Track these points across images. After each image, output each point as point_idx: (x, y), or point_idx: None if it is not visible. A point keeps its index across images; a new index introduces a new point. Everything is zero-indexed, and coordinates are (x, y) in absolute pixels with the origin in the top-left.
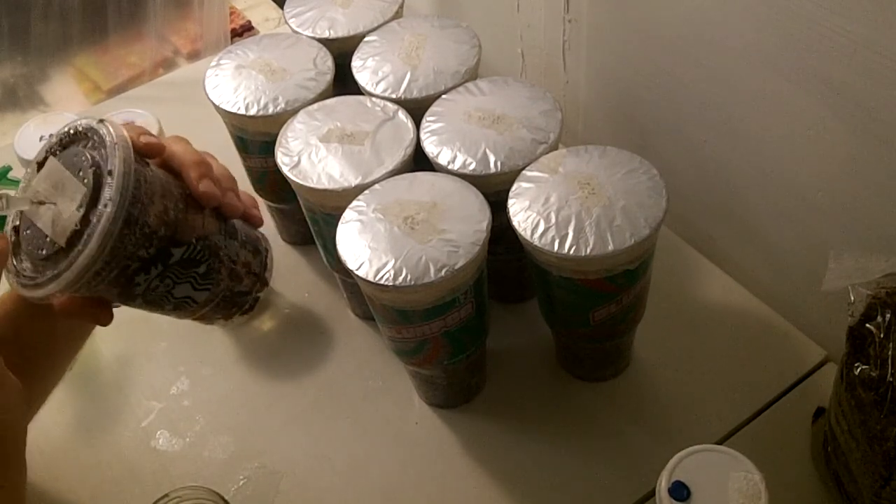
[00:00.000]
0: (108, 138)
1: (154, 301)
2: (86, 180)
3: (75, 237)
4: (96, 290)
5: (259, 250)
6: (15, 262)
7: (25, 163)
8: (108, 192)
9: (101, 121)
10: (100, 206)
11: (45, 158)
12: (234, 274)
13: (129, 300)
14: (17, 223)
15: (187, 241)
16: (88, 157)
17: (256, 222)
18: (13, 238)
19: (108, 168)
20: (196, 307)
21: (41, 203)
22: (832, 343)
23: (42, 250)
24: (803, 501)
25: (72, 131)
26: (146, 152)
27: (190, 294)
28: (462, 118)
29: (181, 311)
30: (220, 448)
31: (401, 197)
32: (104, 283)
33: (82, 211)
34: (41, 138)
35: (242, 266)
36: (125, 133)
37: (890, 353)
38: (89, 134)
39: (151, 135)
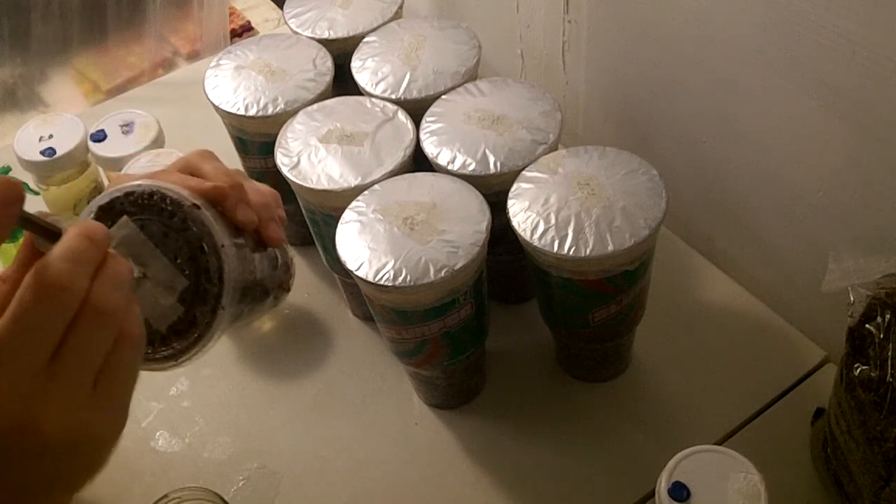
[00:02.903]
0: (209, 232)
1: None
2: (186, 272)
3: (178, 329)
4: None
5: (288, 266)
6: None
7: (25, 163)
8: (224, 301)
9: (196, 205)
10: (206, 308)
11: (112, 207)
12: (276, 298)
13: None
14: None
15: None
16: (183, 243)
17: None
18: None
19: (217, 272)
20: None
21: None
22: (832, 343)
23: None
24: (803, 502)
25: (153, 196)
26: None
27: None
28: (462, 119)
29: None
30: (220, 449)
31: (400, 197)
32: None
33: (185, 305)
34: (41, 139)
35: (277, 288)
36: (223, 223)
37: (890, 353)
38: (176, 212)
39: (201, 176)
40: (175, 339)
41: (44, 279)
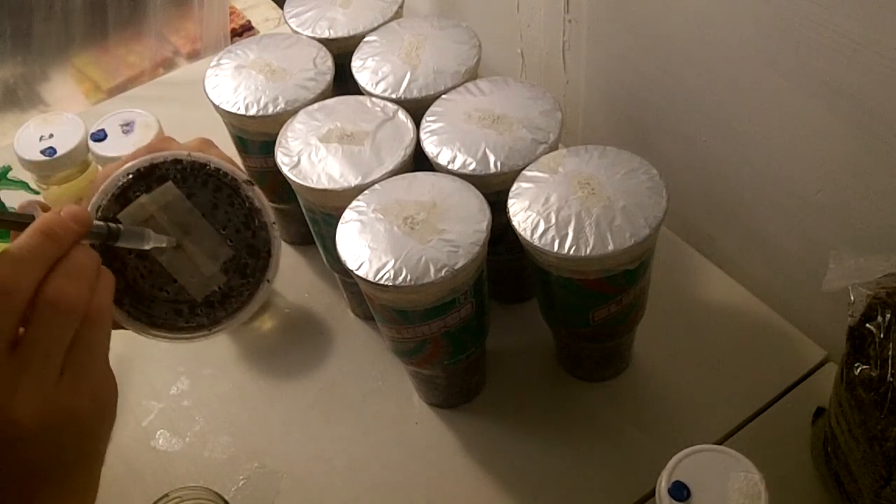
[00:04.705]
0: (259, 209)
1: None
2: (230, 241)
3: (214, 298)
4: None
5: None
6: (129, 304)
7: (25, 163)
8: (269, 274)
9: (250, 182)
10: (247, 280)
11: (152, 172)
12: None
13: None
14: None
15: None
16: (232, 216)
17: None
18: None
19: (266, 247)
20: None
21: (174, 246)
22: (832, 343)
23: (165, 290)
24: (803, 501)
25: (206, 167)
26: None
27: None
28: (462, 118)
29: None
30: (220, 448)
31: (400, 197)
32: None
33: (226, 276)
34: (41, 138)
35: None
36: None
37: (890, 353)
38: (223, 186)
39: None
40: (208, 309)
41: None
